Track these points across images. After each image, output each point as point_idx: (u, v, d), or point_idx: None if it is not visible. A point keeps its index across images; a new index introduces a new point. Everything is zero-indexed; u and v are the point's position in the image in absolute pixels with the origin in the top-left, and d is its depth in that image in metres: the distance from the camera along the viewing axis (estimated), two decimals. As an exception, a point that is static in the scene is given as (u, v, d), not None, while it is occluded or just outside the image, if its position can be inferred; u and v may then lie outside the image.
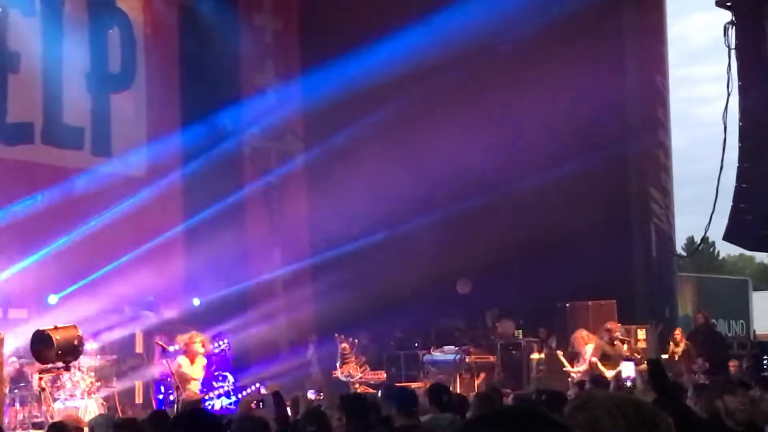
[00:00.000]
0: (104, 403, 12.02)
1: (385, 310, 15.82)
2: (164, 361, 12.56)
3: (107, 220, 15.14)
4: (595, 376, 11.85)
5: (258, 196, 17.86)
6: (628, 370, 12.40)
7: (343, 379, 14.91)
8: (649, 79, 18.63)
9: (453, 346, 16.61)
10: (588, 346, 13.64)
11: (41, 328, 11.52)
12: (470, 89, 17.62)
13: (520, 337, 17.35)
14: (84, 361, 12.06)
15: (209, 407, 13.12)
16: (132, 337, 15.21)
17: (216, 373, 14.59)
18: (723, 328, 22.39)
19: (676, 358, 15.68)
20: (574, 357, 14.02)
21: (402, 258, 17.24)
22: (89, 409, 11.35)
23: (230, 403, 14.08)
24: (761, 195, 14.86)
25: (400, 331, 17.83)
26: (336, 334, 15.28)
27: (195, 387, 11.66)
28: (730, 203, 15.12)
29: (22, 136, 15.17)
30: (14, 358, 12.05)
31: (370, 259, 16.57)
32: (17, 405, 11.62)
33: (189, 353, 11.95)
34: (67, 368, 11.52)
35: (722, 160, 15.23)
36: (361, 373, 15.04)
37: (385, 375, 15.78)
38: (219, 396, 14.33)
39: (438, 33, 15.92)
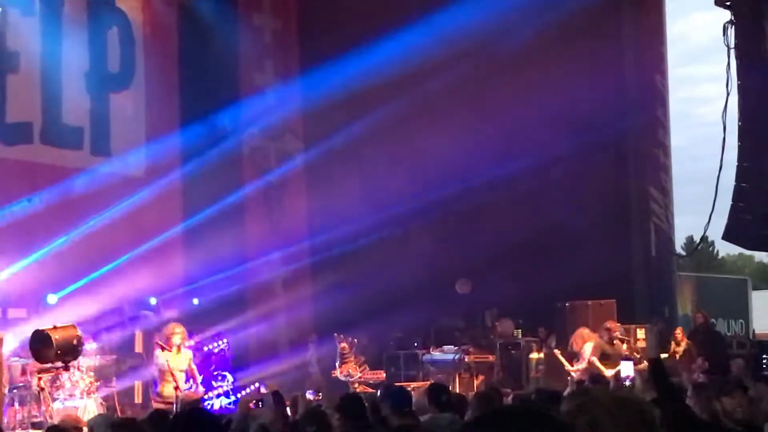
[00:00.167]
0: (103, 402, 11.99)
1: (384, 309, 15.80)
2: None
3: (106, 219, 15.10)
4: (594, 375, 11.87)
5: (257, 195, 17.83)
6: (627, 369, 12.41)
7: (343, 378, 14.91)
8: (648, 78, 18.64)
9: (452, 346, 16.61)
10: (587, 345, 13.64)
11: (40, 328, 11.51)
12: (470, 89, 17.62)
13: (520, 336, 17.38)
14: (83, 360, 12.04)
15: (208, 407, 13.13)
16: (131, 336, 15.19)
17: (215, 373, 14.62)
18: (722, 327, 22.40)
19: (677, 358, 15.67)
20: (573, 356, 14.02)
21: (402, 258, 17.22)
22: (88, 408, 11.34)
23: (229, 403, 14.11)
24: (760, 194, 14.88)
25: (400, 330, 17.80)
26: (335, 334, 15.30)
27: (181, 379, 11.29)
28: (730, 203, 15.14)
29: (21, 136, 15.15)
30: (14, 358, 12.03)
31: (369, 259, 16.57)
32: (16, 405, 11.59)
33: (169, 346, 11.64)
34: (67, 368, 11.51)
35: (721, 160, 15.27)
36: (360, 372, 15.05)
37: (384, 375, 15.79)
38: (218, 396, 14.36)
39: (438, 33, 15.89)
